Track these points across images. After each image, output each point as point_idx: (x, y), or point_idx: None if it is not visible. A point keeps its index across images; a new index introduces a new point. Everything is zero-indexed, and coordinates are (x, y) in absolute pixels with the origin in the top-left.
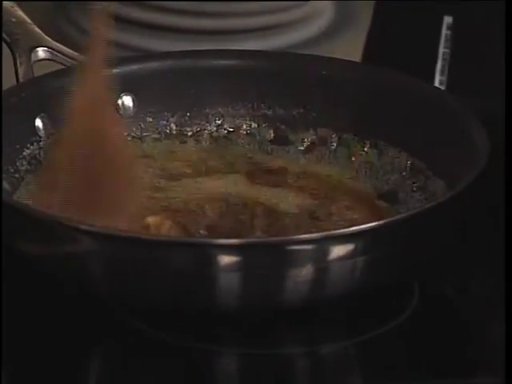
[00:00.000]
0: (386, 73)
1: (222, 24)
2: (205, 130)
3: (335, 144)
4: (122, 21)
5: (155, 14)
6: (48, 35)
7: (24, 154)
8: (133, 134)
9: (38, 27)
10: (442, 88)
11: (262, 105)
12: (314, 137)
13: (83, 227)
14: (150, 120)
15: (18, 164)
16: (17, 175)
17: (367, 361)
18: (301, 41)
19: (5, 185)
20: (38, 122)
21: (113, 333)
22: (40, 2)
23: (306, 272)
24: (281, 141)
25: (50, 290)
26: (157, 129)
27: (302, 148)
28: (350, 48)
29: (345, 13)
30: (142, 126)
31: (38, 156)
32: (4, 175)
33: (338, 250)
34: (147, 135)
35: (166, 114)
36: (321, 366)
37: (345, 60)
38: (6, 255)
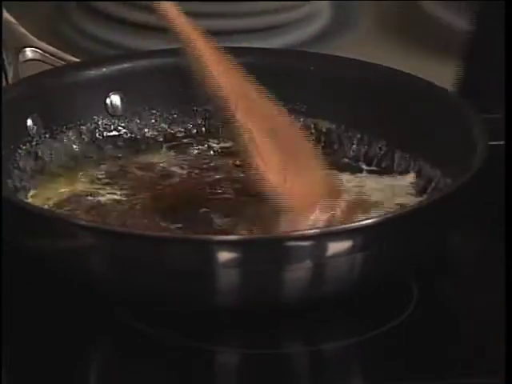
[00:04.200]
0: (383, 69)
1: (222, 24)
2: (194, 127)
3: (330, 139)
4: (120, 22)
5: (154, 14)
6: (47, 37)
7: (17, 154)
8: (122, 132)
9: (37, 29)
10: None
11: None
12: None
13: (83, 223)
14: (139, 118)
15: (11, 165)
16: (11, 176)
17: (367, 361)
18: (301, 41)
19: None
20: (30, 122)
21: (112, 332)
22: (38, 4)
23: (305, 268)
24: None
25: (49, 287)
26: (146, 126)
27: None
28: (350, 48)
29: (344, 13)
30: (131, 124)
31: (30, 156)
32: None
33: (336, 246)
34: (137, 133)
35: (154, 111)
36: (321, 365)
37: (338, 56)
38: (7, 251)
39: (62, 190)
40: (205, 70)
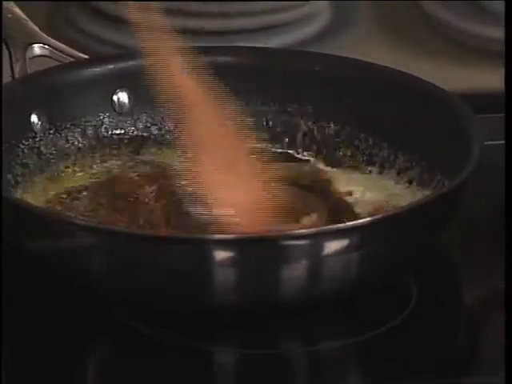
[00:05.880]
0: (383, 69)
1: (222, 24)
2: None
3: (332, 140)
4: (121, 22)
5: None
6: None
7: (19, 149)
8: (127, 130)
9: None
10: None
11: (257, 101)
12: (309, 132)
13: (82, 223)
14: (145, 116)
15: (13, 160)
16: (13, 171)
17: (366, 361)
18: (300, 41)
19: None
20: (34, 118)
21: (112, 333)
22: (39, 3)
23: (301, 267)
24: (276, 137)
25: (49, 287)
26: (152, 124)
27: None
28: (350, 48)
29: (344, 13)
30: (138, 122)
31: (33, 152)
32: None
33: (333, 245)
34: (143, 131)
35: (161, 110)
36: (320, 365)
37: (338, 56)
38: (7, 251)
39: (64, 187)
40: (164, 74)
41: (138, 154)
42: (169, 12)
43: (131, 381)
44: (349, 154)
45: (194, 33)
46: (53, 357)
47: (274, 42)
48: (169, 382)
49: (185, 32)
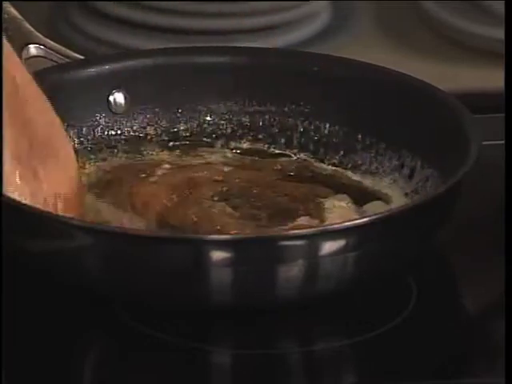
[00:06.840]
0: (379, 69)
1: (222, 24)
2: (197, 126)
3: (331, 140)
4: (120, 22)
5: (155, 14)
6: (46, 37)
7: None
8: (124, 131)
9: (36, 29)
10: None
11: (254, 101)
12: (306, 132)
13: (78, 223)
14: (142, 116)
15: None
16: None
17: (365, 361)
18: (300, 41)
19: None
20: None
21: (112, 332)
22: (38, 4)
23: (298, 267)
24: (273, 137)
25: (49, 288)
26: (148, 124)
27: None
28: (350, 48)
29: (344, 13)
30: (134, 122)
31: None
32: None
33: (330, 246)
34: (139, 131)
35: (157, 110)
36: (317, 366)
37: (338, 56)
38: (7, 252)
39: None
40: None
41: (135, 154)
42: (169, 12)
43: (129, 380)
44: (346, 154)
45: (194, 33)
46: (52, 357)
47: (274, 42)
48: (168, 382)
49: (185, 32)
